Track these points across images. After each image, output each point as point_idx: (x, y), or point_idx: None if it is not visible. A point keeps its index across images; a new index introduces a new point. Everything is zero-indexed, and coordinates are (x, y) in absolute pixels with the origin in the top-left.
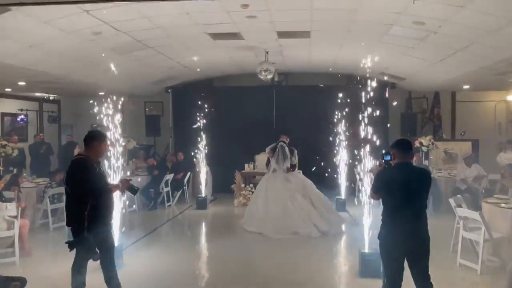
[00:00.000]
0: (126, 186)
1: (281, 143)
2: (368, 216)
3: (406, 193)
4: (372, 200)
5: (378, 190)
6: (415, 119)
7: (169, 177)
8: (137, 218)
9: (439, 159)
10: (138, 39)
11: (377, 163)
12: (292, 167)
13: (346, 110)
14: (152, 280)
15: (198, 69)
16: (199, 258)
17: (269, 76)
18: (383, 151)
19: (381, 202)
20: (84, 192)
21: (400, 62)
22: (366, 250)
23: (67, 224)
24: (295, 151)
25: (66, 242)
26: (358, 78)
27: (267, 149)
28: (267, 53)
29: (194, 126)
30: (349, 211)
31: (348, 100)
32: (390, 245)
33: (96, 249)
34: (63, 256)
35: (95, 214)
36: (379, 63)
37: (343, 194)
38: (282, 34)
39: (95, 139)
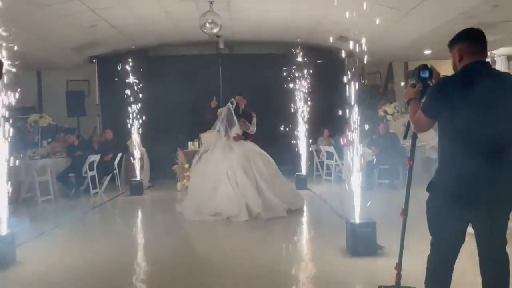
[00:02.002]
0: None
1: (229, 104)
2: (358, 176)
3: (485, 114)
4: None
5: (433, 114)
6: (374, 91)
7: (95, 158)
8: (52, 209)
9: (399, 133)
10: None
11: (411, 84)
12: (246, 136)
13: (301, 81)
14: (57, 276)
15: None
16: (128, 248)
17: (215, 30)
18: (418, 67)
19: (436, 134)
20: None
21: (363, 18)
22: (357, 221)
23: None
24: (254, 118)
25: None
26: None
27: (218, 111)
28: (211, 3)
29: (127, 103)
30: (311, 188)
31: (304, 71)
32: (453, 198)
33: None
34: None
35: None
36: (337, 23)
37: (303, 170)
38: None
39: None
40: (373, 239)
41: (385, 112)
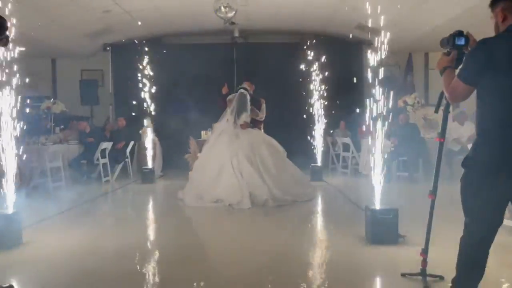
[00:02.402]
0: None
1: (242, 90)
2: (379, 162)
3: None
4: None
5: (474, 79)
6: (393, 82)
7: (107, 145)
8: (62, 194)
9: (420, 126)
10: None
11: (444, 52)
12: (254, 123)
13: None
14: (62, 258)
15: (140, 23)
16: (136, 233)
17: (230, 14)
18: (452, 33)
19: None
20: None
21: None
22: (378, 207)
23: None
24: (263, 104)
25: None
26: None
27: (228, 97)
28: None
29: (140, 91)
30: (327, 180)
31: (322, 61)
32: (494, 172)
33: None
34: None
35: None
36: (355, 9)
37: (319, 161)
38: None
39: None
40: (395, 227)
41: (405, 103)
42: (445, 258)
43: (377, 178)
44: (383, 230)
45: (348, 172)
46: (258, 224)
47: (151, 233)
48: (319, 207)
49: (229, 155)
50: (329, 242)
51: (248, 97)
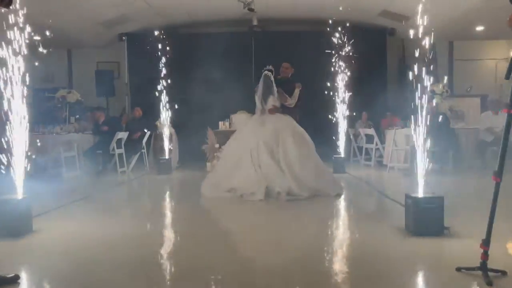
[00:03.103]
0: None
1: (266, 72)
2: (423, 146)
3: None
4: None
5: None
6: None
7: (123, 135)
8: (77, 184)
9: (448, 115)
10: None
11: None
12: (285, 109)
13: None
14: (74, 247)
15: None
16: (149, 223)
17: None
18: None
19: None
20: None
21: None
22: (421, 195)
23: None
24: (297, 89)
25: None
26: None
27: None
28: None
29: (156, 82)
30: (350, 172)
31: (344, 50)
32: None
33: None
34: None
35: None
36: None
37: (342, 152)
38: None
39: None
40: (440, 217)
41: (432, 91)
42: (503, 252)
43: (421, 166)
44: (427, 220)
45: (372, 164)
46: (284, 217)
47: (167, 223)
48: (347, 199)
49: (250, 144)
50: (365, 235)
51: (272, 79)
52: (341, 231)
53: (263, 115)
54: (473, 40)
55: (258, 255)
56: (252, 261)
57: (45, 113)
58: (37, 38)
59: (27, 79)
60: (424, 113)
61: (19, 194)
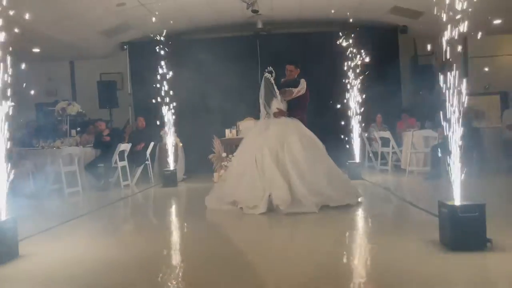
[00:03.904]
0: None
1: (266, 74)
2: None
3: None
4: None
5: None
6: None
7: (125, 147)
8: (75, 200)
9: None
10: None
11: None
12: (293, 112)
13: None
14: (68, 272)
15: (154, 18)
16: (158, 242)
17: None
18: None
19: None
20: None
21: None
22: (458, 203)
23: None
24: (302, 82)
25: None
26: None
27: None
28: None
29: (160, 91)
30: (366, 178)
31: (353, 50)
32: None
33: None
34: None
35: None
36: None
37: (357, 157)
38: None
39: None
40: (481, 228)
41: None
42: None
43: (457, 169)
44: (466, 232)
45: (389, 169)
46: (298, 229)
47: (173, 241)
48: (366, 208)
49: (255, 149)
50: (392, 251)
51: (273, 81)
52: (363, 245)
53: (268, 119)
54: (489, 35)
55: (271, 270)
56: (264, 279)
57: (46, 127)
58: (36, 50)
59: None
60: (456, 113)
61: (2, 215)
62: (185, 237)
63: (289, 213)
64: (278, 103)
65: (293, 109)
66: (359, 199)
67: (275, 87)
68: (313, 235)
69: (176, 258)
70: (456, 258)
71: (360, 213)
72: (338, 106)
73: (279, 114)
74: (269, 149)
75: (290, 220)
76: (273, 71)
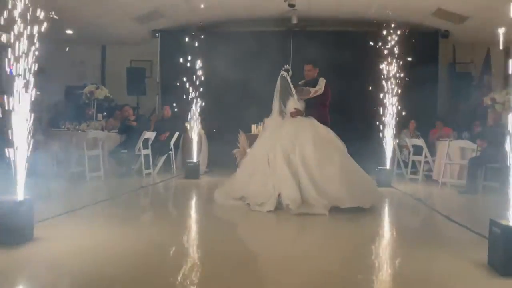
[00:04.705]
0: None
1: (282, 72)
2: None
3: None
4: None
5: None
6: (469, 80)
7: (150, 135)
8: (95, 185)
9: None
10: None
11: None
12: (312, 111)
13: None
14: (79, 259)
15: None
16: (173, 234)
17: None
18: None
19: None
20: None
21: None
22: None
23: None
24: (321, 81)
25: None
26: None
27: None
28: None
29: (189, 81)
30: (397, 187)
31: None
32: None
33: None
34: None
35: None
36: None
37: (387, 164)
38: None
39: None
40: None
41: (493, 100)
42: None
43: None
44: None
45: (419, 178)
46: (308, 235)
47: (189, 235)
48: (396, 219)
49: (267, 148)
50: (425, 264)
51: (289, 79)
52: (394, 263)
53: (282, 119)
54: None
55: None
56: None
57: (74, 109)
58: (69, 32)
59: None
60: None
61: (19, 195)
62: (201, 231)
63: (299, 213)
64: (294, 102)
65: (311, 108)
66: (379, 202)
67: (292, 85)
68: (333, 244)
69: (189, 252)
70: (508, 285)
71: (387, 225)
72: (371, 113)
73: (295, 113)
74: (281, 149)
75: (299, 220)
76: (290, 69)
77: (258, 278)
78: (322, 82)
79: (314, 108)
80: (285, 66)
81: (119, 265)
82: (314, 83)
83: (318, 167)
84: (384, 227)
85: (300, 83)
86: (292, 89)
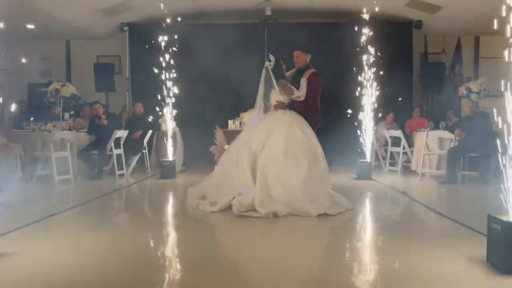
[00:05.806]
0: None
1: (266, 63)
2: None
3: None
4: None
5: None
6: (442, 70)
7: (121, 134)
8: (68, 190)
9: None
10: None
11: None
12: (293, 105)
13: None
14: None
15: None
16: (151, 239)
17: None
18: None
19: None
20: None
21: None
22: None
23: None
24: (303, 78)
25: None
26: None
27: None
28: None
29: (160, 76)
30: (377, 179)
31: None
32: None
33: None
34: None
35: None
36: None
37: (368, 156)
38: None
39: None
40: None
41: (468, 89)
42: None
43: None
44: None
45: (398, 170)
46: (293, 238)
47: (168, 238)
48: (382, 214)
49: (244, 143)
50: (421, 263)
51: (270, 70)
52: (389, 261)
53: (265, 114)
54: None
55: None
56: None
57: (38, 109)
58: (30, 26)
59: None
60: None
61: None
62: (181, 234)
63: (240, 215)
64: (277, 95)
65: (296, 101)
66: (335, 212)
67: (273, 77)
68: (311, 242)
69: (169, 257)
70: (510, 283)
71: (377, 220)
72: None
73: (278, 106)
74: (248, 150)
75: (288, 223)
76: (271, 58)
77: (245, 284)
78: (303, 85)
79: (299, 102)
80: (269, 55)
81: (95, 281)
82: (306, 69)
83: (281, 171)
84: (372, 223)
85: (289, 72)
86: (274, 80)
